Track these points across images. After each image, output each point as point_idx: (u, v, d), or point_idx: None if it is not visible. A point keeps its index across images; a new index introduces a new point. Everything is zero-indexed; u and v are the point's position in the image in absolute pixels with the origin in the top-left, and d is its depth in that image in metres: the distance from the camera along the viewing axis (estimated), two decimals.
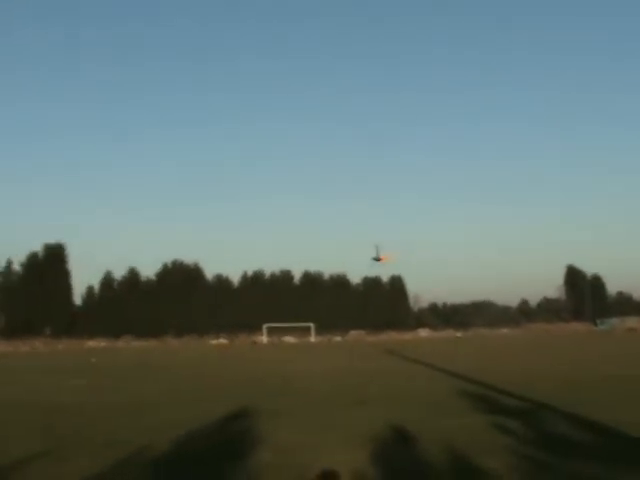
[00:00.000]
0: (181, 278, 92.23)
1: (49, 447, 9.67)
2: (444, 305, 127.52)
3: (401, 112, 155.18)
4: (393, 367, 27.81)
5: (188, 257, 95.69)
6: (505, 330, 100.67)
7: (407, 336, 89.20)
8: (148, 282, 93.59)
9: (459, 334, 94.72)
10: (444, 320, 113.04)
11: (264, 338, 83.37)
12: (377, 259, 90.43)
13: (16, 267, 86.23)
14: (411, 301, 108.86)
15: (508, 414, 12.18)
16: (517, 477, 7.34)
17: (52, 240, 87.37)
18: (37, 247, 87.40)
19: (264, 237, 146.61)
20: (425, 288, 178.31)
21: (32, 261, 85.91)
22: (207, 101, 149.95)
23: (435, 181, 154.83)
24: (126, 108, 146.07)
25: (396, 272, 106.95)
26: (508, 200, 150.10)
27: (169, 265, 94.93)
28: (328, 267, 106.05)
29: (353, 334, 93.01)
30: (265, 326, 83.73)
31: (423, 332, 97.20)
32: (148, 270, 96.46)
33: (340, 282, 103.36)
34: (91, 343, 78.04)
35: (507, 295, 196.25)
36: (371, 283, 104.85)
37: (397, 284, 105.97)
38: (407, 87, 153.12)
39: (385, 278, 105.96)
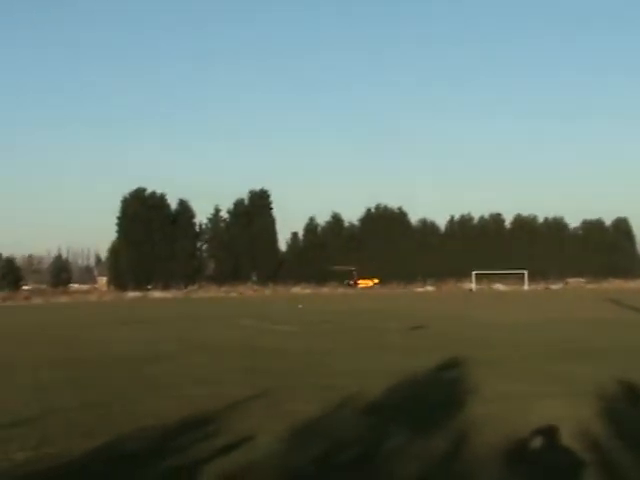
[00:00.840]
0: (385, 223, 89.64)
1: (264, 389, 10.06)
2: None
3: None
4: (619, 318, 26.31)
5: (392, 201, 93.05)
6: None
7: (634, 284, 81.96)
8: (352, 228, 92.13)
9: None
10: None
11: (473, 285, 79.96)
12: (351, 284, 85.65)
13: (223, 214, 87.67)
14: (639, 246, 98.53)
15: None
16: None
17: (257, 187, 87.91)
18: (243, 194, 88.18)
19: (471, 180, 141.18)
20: None
21: (238, 208, 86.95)
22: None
23: None
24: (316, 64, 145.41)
25: (621, 214, 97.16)
26: None
27: (372, 210, 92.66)
28: (543, 210, 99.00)
29: (572, 282, 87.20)
30: (474, 273, 79.81)
31: None
32: (352, 215, 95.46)
33: (556, 226, 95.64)
34: (296, 289, 78.96)
35: None
36: (592, 227, 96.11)
37: (622, 227, 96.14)
38: None
39: (608, 221, 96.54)
